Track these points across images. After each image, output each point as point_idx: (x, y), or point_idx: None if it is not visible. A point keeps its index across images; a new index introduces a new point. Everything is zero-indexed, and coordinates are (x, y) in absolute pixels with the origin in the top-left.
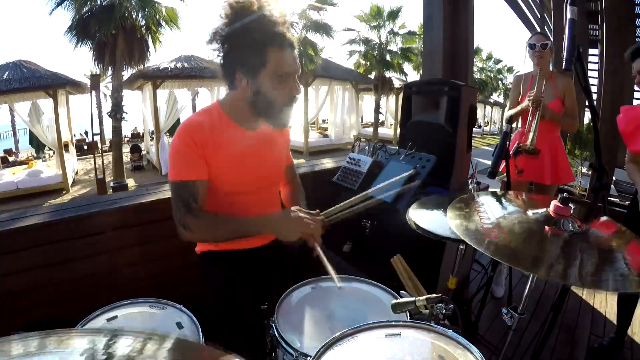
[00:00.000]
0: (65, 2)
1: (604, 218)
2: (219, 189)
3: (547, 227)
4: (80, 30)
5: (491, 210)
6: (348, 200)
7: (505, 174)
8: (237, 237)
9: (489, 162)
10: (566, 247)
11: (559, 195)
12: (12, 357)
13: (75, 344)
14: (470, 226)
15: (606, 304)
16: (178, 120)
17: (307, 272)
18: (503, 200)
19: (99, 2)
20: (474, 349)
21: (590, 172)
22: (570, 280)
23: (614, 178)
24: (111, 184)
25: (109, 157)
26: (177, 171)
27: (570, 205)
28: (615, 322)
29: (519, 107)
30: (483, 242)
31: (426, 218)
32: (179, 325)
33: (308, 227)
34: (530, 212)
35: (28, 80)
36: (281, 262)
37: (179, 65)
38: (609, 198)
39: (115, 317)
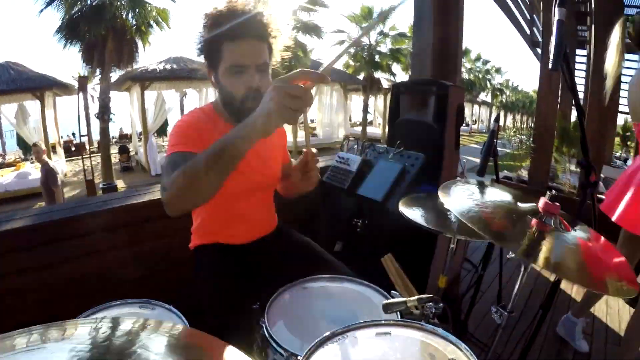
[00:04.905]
0: (54, 3)
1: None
2: None
3: (534, 220)
4: (70, 31)
5: (481, 194)
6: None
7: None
8: (225, 161)
9: (477, 160)
10: (546, 240)
11: (547, 193)
12: (16, 350)
13: (74, 334)
14: (461, 203)
15: None
16: (166, 121)
17: (299, 272)
18: (494, 190)
19: (89, 2)
20: (464, 346)
21: (579, 170)
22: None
23: (602, 175)
24: (100, 186)
25: (97, 159)
26: (174, 144)
27: (558, 204)
28: (603, 320)
29: None
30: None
31: (417, 213)
32: None
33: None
34: (519, 204)
35: (15, 82)
36: (273, 261)
37: (167, 66)
38: (598, 195)
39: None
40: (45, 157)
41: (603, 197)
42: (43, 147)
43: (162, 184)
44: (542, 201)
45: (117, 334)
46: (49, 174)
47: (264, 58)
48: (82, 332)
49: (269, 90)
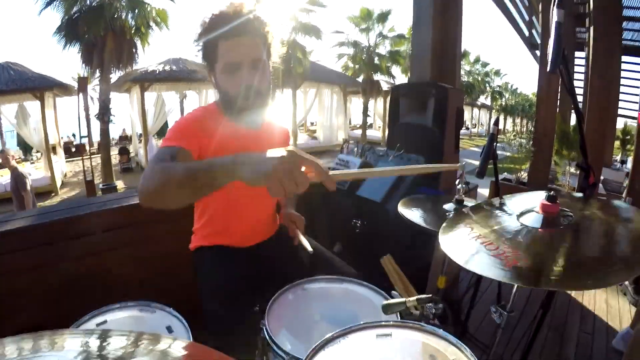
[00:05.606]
0: (54, 3)
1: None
2: None
3: (540, 230)
4: (69, 31)
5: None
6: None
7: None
8: (200, 183)
9: (477, 163)
10: (563, 246)
11: (546, 194)
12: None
13: (67, 345)
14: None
15: (595, 301)
16: (166, 123)
17: (299, 272)
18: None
19: (88, 2)
20: (465, 347)
21: (578, 172)
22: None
23: (601, 177)
24: (100, 186)
25: (97, 160)
26: (168, 137)
27: (558, 202)
28: (604, 319)
29: None
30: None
31: (416, 214)
32: (169, 329)
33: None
34: (523, 220)
35: (15, 83)
36: (273, 262)
37: (167, 68)
38: (598, 197)
39: (105, 321)
40: (14, 162)
41: (603, 198)
42: (11, 152)
43: (143, 173)
44: (541, 204)
45: (112, 349)
46: (17, 179)
47: (258, 54)
48: (74, 344)
49: (285, 151)
